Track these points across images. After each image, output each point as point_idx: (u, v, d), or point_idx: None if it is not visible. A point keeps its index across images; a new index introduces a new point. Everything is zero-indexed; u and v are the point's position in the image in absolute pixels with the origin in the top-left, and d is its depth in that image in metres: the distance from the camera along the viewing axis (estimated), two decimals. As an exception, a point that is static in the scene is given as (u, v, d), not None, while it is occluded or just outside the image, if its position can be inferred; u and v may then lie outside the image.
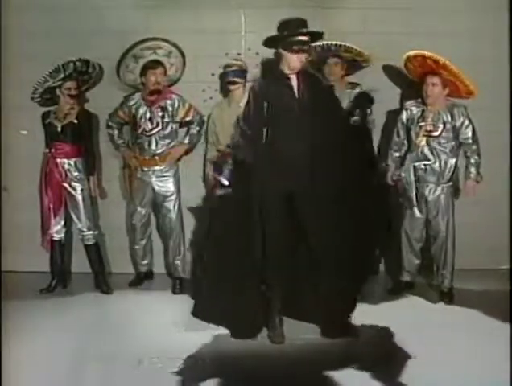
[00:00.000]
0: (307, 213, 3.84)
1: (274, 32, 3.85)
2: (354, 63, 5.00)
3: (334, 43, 4.81)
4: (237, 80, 4.86)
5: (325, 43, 4.73)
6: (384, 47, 4.91)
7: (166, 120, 4.91)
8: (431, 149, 4.59)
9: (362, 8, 5.18)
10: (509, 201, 5.07)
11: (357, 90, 4.96)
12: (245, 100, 4.10)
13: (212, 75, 5.22)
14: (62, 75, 4.78)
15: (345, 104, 4.87)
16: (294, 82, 3.87)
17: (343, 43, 4.81)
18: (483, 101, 4.70)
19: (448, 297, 4.67)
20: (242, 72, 4.87)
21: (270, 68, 3.95)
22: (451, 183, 4.65)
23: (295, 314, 4.09)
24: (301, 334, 3.95)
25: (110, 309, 4.68)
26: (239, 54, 5.18)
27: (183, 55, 5.04)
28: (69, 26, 5.14)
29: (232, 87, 4.89)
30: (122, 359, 3.67)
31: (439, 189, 4.62)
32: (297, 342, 3.87)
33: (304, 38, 3.80)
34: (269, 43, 3.90)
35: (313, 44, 4.21)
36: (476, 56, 5.03)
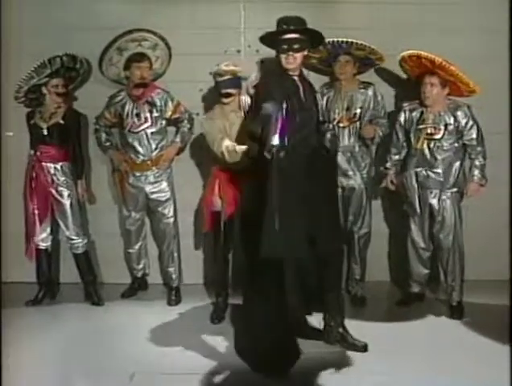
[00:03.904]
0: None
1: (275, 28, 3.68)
2: (367, 61, 4.80)
3: (345, 40, 4.61)
4: (230, 91, 4.30)
5: (336, 40, 4.56)
6: (392, 44, 4.74)
7: (154, 115, 4.74)
8: (433, 153, 4.41)
9: (369, 3, 5.05)
10: (509, 207, 4.88)
11: (371, 90, 4.75)
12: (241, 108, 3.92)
13: (210, 74, 5.01)
14: (48, 71, 4.62)
15: (359, 104, 4.70)
16: (299, 84, 3.71)
17: (355, 41, 4.62)
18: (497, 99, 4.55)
19: (457, 311, 4.46)
20: (237, 80, 4.38)
21: (274, 68, 3.74)
22: (456, 189, 4.45)
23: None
24: (303, 348, 3.75)
25: (101, 321, 4.52)
26: (238, 51, 5.05)
27: (169, 48, 4.90)
28: (61, 23, 5.02)
29: (225, 100, 4.32)
30: (113, 374, 3.58)
31: (444, 195, 4.43)
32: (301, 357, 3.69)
33: (293, 36, 3.60)
34: (266, 43, 3.74)
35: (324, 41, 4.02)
36: (489, 54, 4.92)
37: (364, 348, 3.79)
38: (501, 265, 4.90)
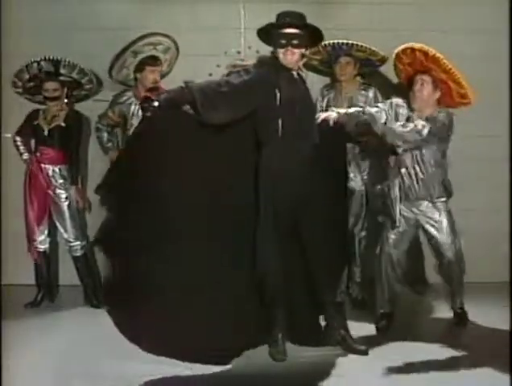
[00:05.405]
0: (307, 220, 3.63)
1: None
2: (368, 62, 4.80)
3: (346, 42, 4.62)
4: None
5: (336, 41, 4.57)
6: (393, 44, 4.64)
7: None
8: (420, 161, 4.07)
9: (369, 3, 5.08)
10: (509, 207, 4.90)
11: (371, 92, 4.74)
12: None
13: (210, 75, 5.01)
14: (27, 76, 4.69)
15: (360, 104, 4.63)
16: (297, 77, 3.66)
17: (355, 42, 4.62)
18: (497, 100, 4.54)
19: (461, 317, 4.31)
20: None
21: (270, 61, 3.67)
22: (444, 199, 4.15)
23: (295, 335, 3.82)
24: (303, 351, 3.75)
25: (101, 324, 4.33)
26: (238, 52, 5.06)
27: (177, 50, 4.93)
28: (61, 23, 5.07)
29: None
30: (112, 377, 3.51)
31: (435, 206, 4.12)
32: (299, 360, 3.68)
33: (292, 30, 3.54)
34: (263, 37, 3.69)
35: (324, 43, 4.10)
36: (489, 53, 4.95)
37: (364, 352, 3.72)
38: (501, 267, 4.92)
